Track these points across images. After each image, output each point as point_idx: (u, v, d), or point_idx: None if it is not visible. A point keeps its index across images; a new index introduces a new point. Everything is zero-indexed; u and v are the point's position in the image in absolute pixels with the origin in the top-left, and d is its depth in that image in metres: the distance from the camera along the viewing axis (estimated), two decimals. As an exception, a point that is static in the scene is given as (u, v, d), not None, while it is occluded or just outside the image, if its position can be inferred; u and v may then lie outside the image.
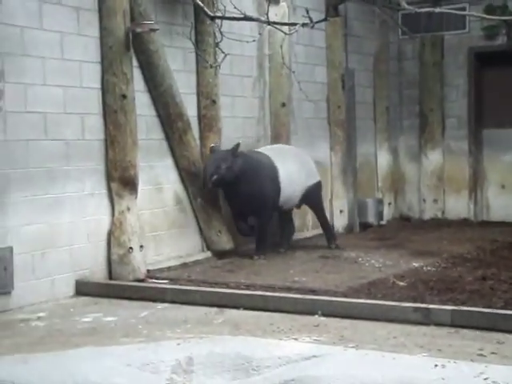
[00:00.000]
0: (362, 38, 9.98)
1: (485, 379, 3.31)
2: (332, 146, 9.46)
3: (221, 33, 5.53)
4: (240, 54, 7.98)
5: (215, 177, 7.11)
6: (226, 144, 7.64)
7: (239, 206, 7.53)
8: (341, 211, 9.44)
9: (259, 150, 7.89)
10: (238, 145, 7.30)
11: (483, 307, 5.17)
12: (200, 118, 7.57)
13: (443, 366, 3.57)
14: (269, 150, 7.86)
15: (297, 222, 8.72)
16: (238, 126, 8.13)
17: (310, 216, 8.91)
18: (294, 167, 7.83)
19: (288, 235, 8.12)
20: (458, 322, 4.95)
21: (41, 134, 6.10)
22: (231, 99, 8.00)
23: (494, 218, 10.31)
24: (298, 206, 8.24)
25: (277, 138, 8.49)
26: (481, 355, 4.29)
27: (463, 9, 9.84)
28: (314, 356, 3.94)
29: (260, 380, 3.81)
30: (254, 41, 6.78)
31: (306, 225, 9.01)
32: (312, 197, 8.10)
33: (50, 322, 5.44)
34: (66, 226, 6.29)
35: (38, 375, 3.83)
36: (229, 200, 7.58)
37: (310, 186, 8.01)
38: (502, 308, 5.18)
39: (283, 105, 8.50)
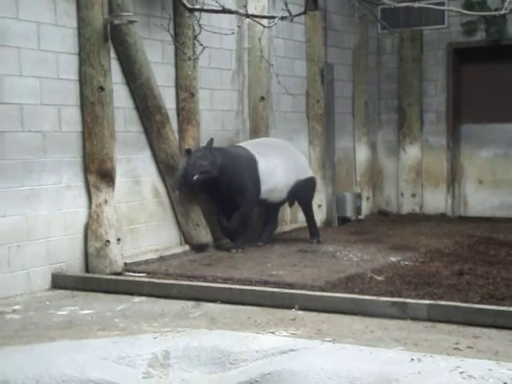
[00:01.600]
0: (341, 33, 9.99)
1: (461, 373, 3.32)
2: (310, 140, 9.47)
3: (199, 25, 5.50)
4: (219, 47, 7.95)
5: (196, 176, 7.10)
6: (204, 137, 7.62)
7: (221, 201, 7.51)
8: (319, 205, 9.44)
9: (239, 144, 7.89)
10: (211, 140, 7.30)
11: (460, 302, 5.20)
12: (178, 110, 7.53)
13: (419, 360, 3.57)
14: (248, 144, 7.88)
15: (275, 215, 8.71)
16: (217, 119, 8.11)
17: (288, 210, 8.91)
18: (278, 159, 7.81)
19: (269, 229, 8.12)
20: (434, 317, 4.97)
21: (17, 125, 6.03)
22: (210, 92, 7.97)
23: (472, 213, 10.38)
24: (290, 203, 8.20)
25: (255, 131, 8.48)
26: (457, 349, 4.32)
27: (442, 4, 9.87)
28: (291, 350, 3.93)
29: (237, 374, 3.80)
30: (232, 33, 6.76)
31: (284, 219, 9.00)
32: (301, 192, 8.09)
33: (26, 315, 5.39)
34: (43, 218, 6.24)
35: (13, 369, 3.78)
36: (212, 196, 7.56)
37: (300, 180, 8.01)
38: (478, 303, 5.21)
39: (262, 98, 8.49)
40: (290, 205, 8.35)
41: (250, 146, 7.81)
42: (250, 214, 7.73)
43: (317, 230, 8.32)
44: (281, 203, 8.13)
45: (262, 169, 7.62)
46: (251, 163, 7.58)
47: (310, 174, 8.23)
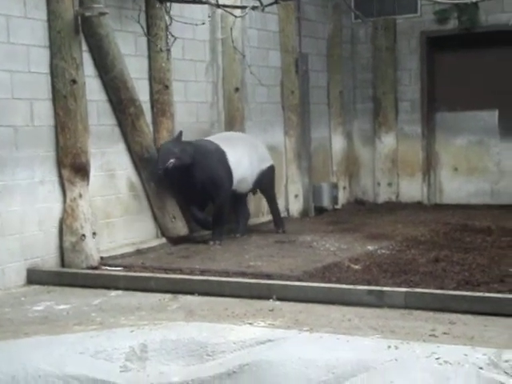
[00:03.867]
0: (315, 22, 9.98)
1: (437, 359, 3.34)
2: (286, 130, 9.46)
3: (170, 16, 5.46)
4: (192, 38, 7.91)
5: (171, 161, 7.09)
6: (179, 129, 7.58)
7: (193, 194, 7.49)
8: (296, 196, 9.46)
9: (205, 138, 7.84)
10: (180, 133, 7.31)
11: (436, 289, 5.24)
12: (153, 103, 7.49)
13: (396, 347, 3.58)
14: (214, 137, 7.86)
15: (252, 207, 8.71)
16: (192, 111, 8.07)
17: (264, 201, 8.90)
18: (243, 150, 7.83)
19: (243, 220, 8.12)
20: (411, 304, 5.00)
21: (-12, 120, 5.97)
22: (184, 84, 7.93)
23: (447, 201, 10.46)
24: (253, 191, 8.23)
25: (231, 122, 8.45)
26: (433, 335, 4.34)
27: (415, -8, 9.91)
28: (269, 340, 3.92)
29: (215, 365, 3.79)
30: (203, 23, 6.73)
31: (261, 210, 9.00)
32: (265, 181, 8.13)
33: (0, 312, 5.33)
34: (16, 213, 6.17)
35: (-12, 366, 3.75)
36: (181, 189, 7.53)
37: (263, 169, 8.03)
38: (454, 289, 5.25)
39: (236, 89, 8.46)
40: (254, 193, 8.34)
41: (214, 139, 7.79)
42: (226, 205, 7.72)
43: (281, 219, 8.36)
44: (247, 193, 8.15)
45: (232, 160, 7.63)
46: (221, 155, 7.58)
47: (270, 162, 8.24)
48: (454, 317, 4.75)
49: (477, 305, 4.85)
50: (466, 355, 3.36)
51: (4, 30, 6.06)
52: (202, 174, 7.37)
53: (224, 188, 7.55)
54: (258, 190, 8.29)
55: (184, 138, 7.40)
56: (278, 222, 8.28)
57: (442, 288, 5.27)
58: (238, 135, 8.24)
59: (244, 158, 7.79)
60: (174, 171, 7.19)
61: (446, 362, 3.30)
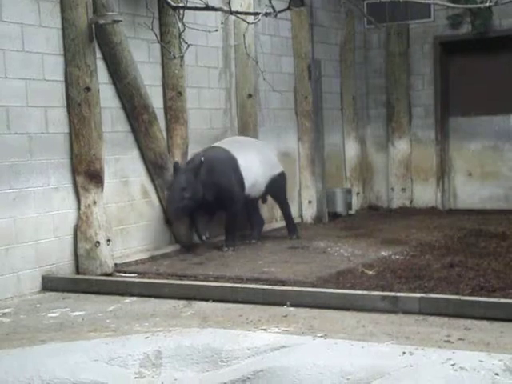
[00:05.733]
0: (327, 28, 9.98)
1: (452, 365, 3.31)
2: (300, 136, 9.46)
3: (183, 23, 5.48)
4: (205, 45, 7.94)
5: (183, 203, 7.06)
6: (192, 135, 7.60)
7: (207, 203, 7.41)
8: (309, 202, 9.45)
9: (215, 144, 7.78)
10: (200, 163, 7.18)
11: (451, 294, 5.21)
12: (166, 109, 7.51)
13: (411, 354, 3.56)
14: (224, 143, 7.81)
15: (266, 213, 8.71)
16: (205, 117, 8.09)
17: (278, 207, 8.89)
18: (253, 155, 7.80)
19: (258, 226, 8.12)
20: (425, 310, 4.97)
21: (3, 127, 6.00)
22: (197, 90, 7.95)
23: (461, 206, 10.41)
24: (264, 198, 8.22)
25: (244, 129, 8.47)
26: (448, 341, 4.32)
27: (428, -3, 9.87)
28: (283, 346, 3.91)
29: (229, 371, 3.78)
30: (216, 30, 6.75)
31: (274, 216, 9.00)
32: (276, 186, 8.11)
33: (16, 318, 5.37)
34: (31, 220, 6.21)
35: (3, 372, 3.75)
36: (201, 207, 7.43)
37: (274, 175, 8.02)
38: (469, 295, 5.21)
39: (250, 96, 8.47)
40: (263, 201, 8.32)
41: (226, 144, 7.74)
42: (239, 212, 7.71)
43: (294, 226, 8.33)
44: (259, 198, 8.13)
45: (243, 165, 7.60)
46: (232, 162, 7.54)
47: (281, 168, 8.20)
48: (469, 323, 4.73)
49: (492, 310, 4.81)
50: (481, 361, 3.33)
51: (19, 39, 6.11)
52: (214, 186, 7.33)
53: (236, 195, 7.54)
54: (267, 198, 8.27)
55: (197, 144, 7.41)
56: (291, 228, 8.27)
57: (456, 293, 5.23)
58: (247, 139, 8.22)
59: (255, 161, 7.77)
60: (187, 209, 7.18)
61: (461, 368, 3.28)
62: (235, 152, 7.64)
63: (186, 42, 5.59)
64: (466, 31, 10.09)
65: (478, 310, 4.85)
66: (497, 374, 3.21)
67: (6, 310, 5.60)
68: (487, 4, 6.79)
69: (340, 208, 9.74)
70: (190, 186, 7.11)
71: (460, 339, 4.37)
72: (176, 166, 7.19)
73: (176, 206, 7.06)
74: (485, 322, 4.72)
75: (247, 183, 7.65)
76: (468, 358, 3.40)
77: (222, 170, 7.46)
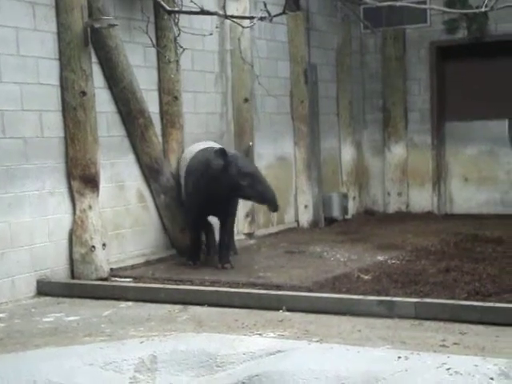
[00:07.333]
0: (324, 33, 9.99)
1: (447, 369, 3.31)
2: (296, 141, 9.46)
3: (178, 27, 5.47)
4: (201, 49, 7.93)
5: None
6: (188, 140, 7.59)
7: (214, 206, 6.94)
8: (305, 206, 9.44)
9: (204, 145, 7.25)
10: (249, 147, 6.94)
11: (446, 299, 5.21)
12: (162, 114, 7.51)
13: (406, 358, 3.56)
14: (210, 143, 7.36)
15: (262, 217, 8.71)
16: (201, 121, 8.09)
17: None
18: None
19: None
20: (421, 314, 4.97)
21: (-2, 132, 6.00)
22: (193, 95, 7.95)
23: (458, 211, 10.41)
24: None
25: (240, 133, 8.46)
26: (443, 346, 4.32)
27: (424, 2, 9.90)
28: (279, 351, 3.90)
29: (224, 376, 3.77)
30: (211, 34, 6.75)
31: (270, 220, 8.99)
32: None
33: (10, 323, 5.35)
34: (26, 225, 6.19)
35: (-3, 377, 3.74)
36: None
37: None
38: (464, 299, 5.22)
39: (246, 100, 8.47)
40: None
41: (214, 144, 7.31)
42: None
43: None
44: None
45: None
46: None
47: None
48: (464, 327, 4.72)
49: (488, 315, 4.81)
50: (476, 366, 3.32)
51: (14, 43, 6.10)
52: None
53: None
54: None
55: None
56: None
57: (452, 298, 5.23)
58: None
59: None
60: None
61: (456, 372, 3.28)
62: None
63: (182, 46, 5.60)
64: (461, 36, 10.10)
65: (473, 314, 4.85)
66: (492, 379, 3.21)
67: (1, 315, 5.58)
68: (483, 9, 6.81)
69: (336, 212, 9.73)
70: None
71: (455, 344, 4.37)
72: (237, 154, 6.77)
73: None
74: (480, 327, 4.71)
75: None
76: (463, 363, 3.40)
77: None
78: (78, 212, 6.52)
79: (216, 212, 7.02)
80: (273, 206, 6.74)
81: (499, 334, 4.57)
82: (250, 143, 7.02)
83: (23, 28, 6.17)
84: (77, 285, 6.32)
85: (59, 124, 6.46)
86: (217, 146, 7.10)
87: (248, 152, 6.87)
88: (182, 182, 7.23)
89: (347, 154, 10.49)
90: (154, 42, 6.97)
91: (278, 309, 5.37)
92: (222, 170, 6.53)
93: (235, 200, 7.03)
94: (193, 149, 7.29)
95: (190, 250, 7.16)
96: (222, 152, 6.55)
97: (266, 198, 6.67)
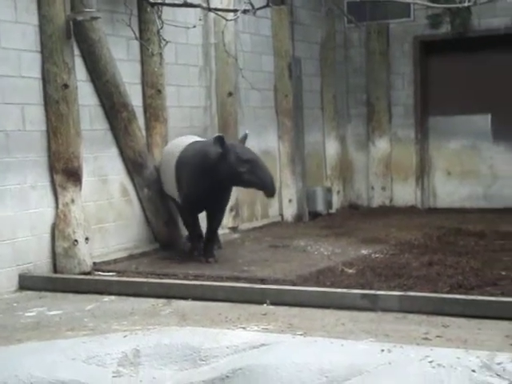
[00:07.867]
0: (308, 27, 9.98)
1: (430, 362, 3.31)
2: (280, 135, 9.46)
3: (161, 20, 5.44)
4: (185, 42, 7.90)
5: None
6: (172, 134, 7.56)
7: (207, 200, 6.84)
8: (290, 200, 9.45)
9: (191, 139, 7.17)
10: (245, 135, 6.85)
11: (429, 292, 5.23)
12: (145, 107, 7.48)
13: (389, 351, 3.56)
14: (194, 137, 7.29)
15: (246, 211, 8.70)
16: (185, 115, 8.06)
17: (258, 206, 8.90)
18: None
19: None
20: (404, 308, 4.99)
21: (-21, 125, 5.94)
22: (177, 88, 7.91)
23: (441, 205, 10.46)
24: None
25: (224, 127, 8.43)
26: (426, 339, 4.34)
27: (408, -3, 9.90)
28: (262, 344, 3.90)
29: (208, 370, 3.76)
30: (194, 27, 6.71)
31: (254, 214, 8.98)
32: None
33: (-8, 318, 5.31)
34: (8, 219, 6.14)
35: (-22, 372, 3.71)
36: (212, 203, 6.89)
37: None
38: (447, 292, 5.24)
39: (230, 94, 8.45)
40: None
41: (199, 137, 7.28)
42: None
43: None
44: None
45: None
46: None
47: None
48: (447, 320, 4.74)
49: (470, 308, 4.84)
50: (459, 358, 3.33)
51: (-5, 35, 6.04)
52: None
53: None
54: None
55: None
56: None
57: (435, 291, 5.26)
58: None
59: None
60: None
61: (439, 365, 3.28)
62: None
63: (165, 39, 5.57)
64: (445, 31, 10.13)
65: (456, 307, 4.88)
66: (474, 371, 3.22)
67: (-18, 310, 5.55)
68: (466, 4, 6.83)
69: (320, 207, 9.74)
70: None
71: (438, 336, 4.39)
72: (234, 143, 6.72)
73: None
74: (463, 320, 4.74)
75: None
76: (445, 355, 3.41)
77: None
78: (60, 206, 6.48)
79: (208, 205, 6.88)
80: (271, 191, 6.71)
81: (481, 326, 4.59)
82: (247, 131, 6.97)
83: (4, 20, 6.11)
84: (59, 279, 6.29)
85: (41, 117, 6.41)
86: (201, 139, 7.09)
87: (245, 140, 6.82)
88: (170, 177, 7.03)
89: (331, 148, 10.50)
90: (138, 35, 6.94)
91: (261, 302, 5.36)
92: (221, 157, 6.45)
93: (229, 193, 6.95)
94: (177, 143, 7.24)
95: (193, 245, 7.14)
96: (220, 139, 6.47)
97: (265, 184, 6.62)
